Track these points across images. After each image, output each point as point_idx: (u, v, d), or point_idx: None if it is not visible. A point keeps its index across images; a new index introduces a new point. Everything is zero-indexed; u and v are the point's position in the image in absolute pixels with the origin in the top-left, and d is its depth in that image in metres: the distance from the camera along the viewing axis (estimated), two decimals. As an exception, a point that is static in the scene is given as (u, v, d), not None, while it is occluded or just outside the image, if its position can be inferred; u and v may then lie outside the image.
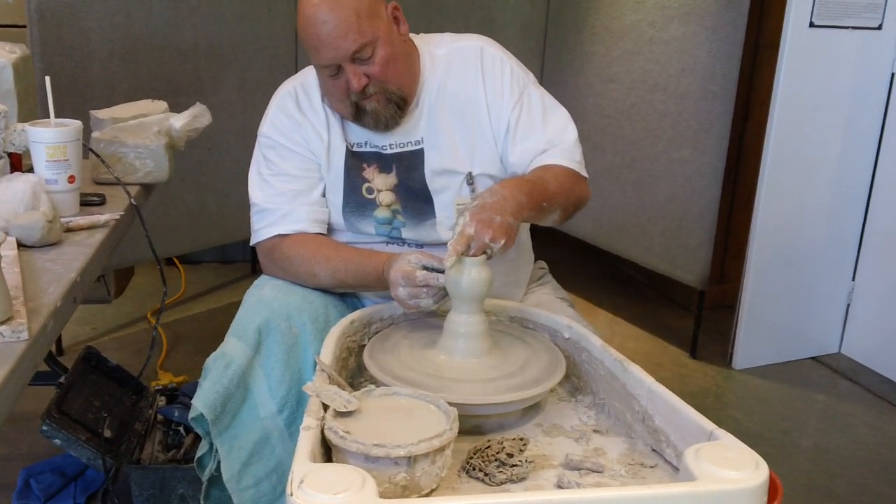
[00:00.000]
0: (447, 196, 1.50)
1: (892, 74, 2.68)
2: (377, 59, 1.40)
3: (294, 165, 1.52)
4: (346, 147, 1.52)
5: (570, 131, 1.52)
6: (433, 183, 1.50)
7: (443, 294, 1.28)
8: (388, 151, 1.51)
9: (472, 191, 1.48)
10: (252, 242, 1.55)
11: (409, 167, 1.50)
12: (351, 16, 1.36)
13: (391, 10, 1.46)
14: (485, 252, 1.22)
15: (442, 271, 1.25)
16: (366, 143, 1.52)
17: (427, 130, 1.50)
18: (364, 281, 1.44)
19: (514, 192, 1.29)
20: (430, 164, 1.49)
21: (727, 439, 0.97)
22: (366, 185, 1.51)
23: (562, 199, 1.42)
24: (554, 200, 1.39)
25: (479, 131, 1.50)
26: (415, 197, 1.50)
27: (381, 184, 1.51)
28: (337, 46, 1.37)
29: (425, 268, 1.28)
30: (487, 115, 1.50)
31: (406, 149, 1.50)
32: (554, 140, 1.49)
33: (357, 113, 1.45)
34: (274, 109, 1.55)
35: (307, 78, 1.56)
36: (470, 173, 1.49)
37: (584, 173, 1.52)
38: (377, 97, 1.43)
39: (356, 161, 1.51)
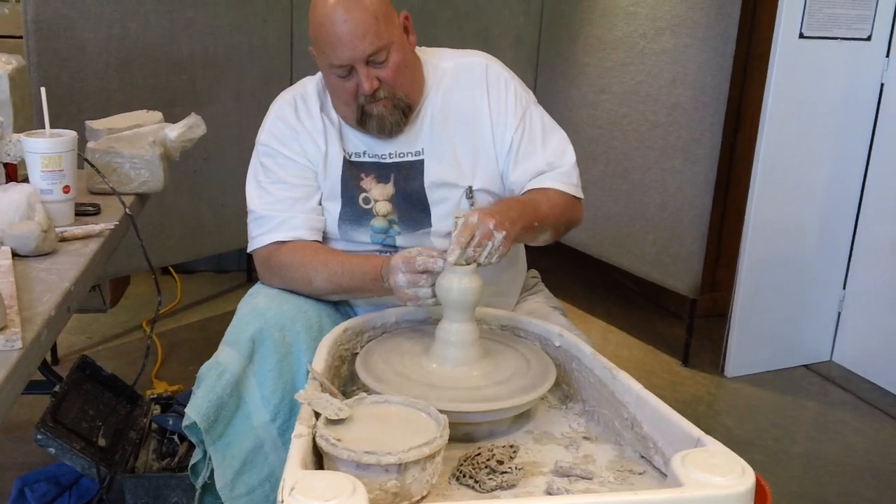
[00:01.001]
0: (445, 207, 1.51)
1: (882, 85, 2.71)
2: (390, 63, 1.42)
3: (291, 173, 1.53)
4: (344, 157, 1.53)
5: (568, 154, 1.55)
6: (432, 194, 1.51)
7: None
8: (388, 160, 1.52)
9: (472, 205, 1.50)
10: (249, 249, 1.55)
11: (407, 177, 1.51)
12: (370, 18, 1.38)
13: (402, 20, 1.48)
14: (487, 243, 1.24)
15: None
16: (364, 153, 1.53)
17: (428, 141, 1.52)
18: (361, 283, 1.43)
19: (506, 208, 1.34)
20: (430, 176, 1.51)
21: (714, 446, 0.98)
22: (363, 194, 1.52)
23: (552, 220, 1.45)
24: (545, 221, 1.43)
25: (482, 147, 1.52)
26: (412, 206, 1.51)
27: (378, 194, 1.52)
28: (355, 46, 1.39)
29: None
30: (491, 132, 1.52)
31: (406, 158, 1.52)
32: (554, 163, 1.52)
33: (362, 117, 1.46)
34: (272, 118, 1.56)
35: (306, 88, 1.57)
36: (470, 187, 1.51)
37: (580, 194, 1.55)
38: (385, 102, 1.44)
39: (354, 171, 1.53)
